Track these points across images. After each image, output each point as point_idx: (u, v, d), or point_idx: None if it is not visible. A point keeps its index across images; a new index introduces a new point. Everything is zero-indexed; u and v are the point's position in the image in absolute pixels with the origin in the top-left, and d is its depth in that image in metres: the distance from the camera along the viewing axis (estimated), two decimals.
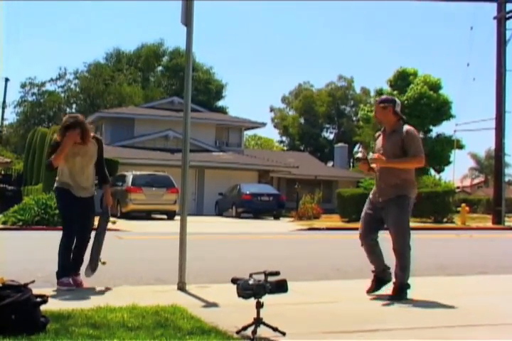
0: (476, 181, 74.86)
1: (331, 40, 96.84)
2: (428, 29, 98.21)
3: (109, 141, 32.21)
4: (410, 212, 5.89)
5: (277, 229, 20.07)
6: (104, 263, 6.46)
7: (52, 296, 5.34)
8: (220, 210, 30.54)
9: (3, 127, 51.29)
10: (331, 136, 65.67)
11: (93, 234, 6.49)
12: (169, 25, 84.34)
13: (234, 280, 4.19)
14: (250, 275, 4.16)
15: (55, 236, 6.68)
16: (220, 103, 60.41)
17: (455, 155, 39.94)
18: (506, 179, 41.11)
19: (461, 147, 38.89)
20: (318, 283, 7.06)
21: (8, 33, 79.28)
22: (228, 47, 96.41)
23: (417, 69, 39.14)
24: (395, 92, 37.51)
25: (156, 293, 5.94)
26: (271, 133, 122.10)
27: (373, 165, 6.00)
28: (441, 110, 37.06)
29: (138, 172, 25.58)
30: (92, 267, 6.41)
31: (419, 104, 36.10)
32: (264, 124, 42.41)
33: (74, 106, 52.77)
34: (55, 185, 6.43)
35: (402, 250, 5.74)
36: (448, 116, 37.51)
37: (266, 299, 4.09)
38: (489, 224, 24.98)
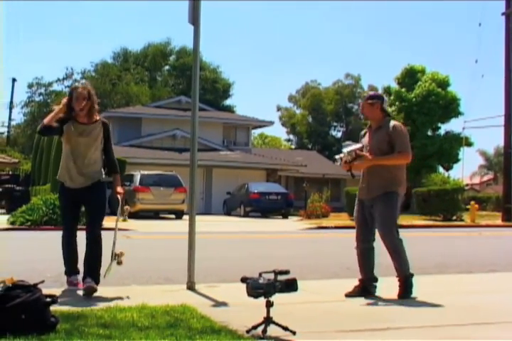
0: (485, 178, 74.58)
1: (338, 38, 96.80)
2: (436, 26, 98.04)
3: (116, 141, 32.21)
4: (399, 209, 5.80)
5: (286, 228, 20.07)
6: (119, 262, 6.01)
7: (62, 296, 5.34)
8: (228, 209, 30.56)
9: (10, 128, 51.47)
10: (339, 134, 65.52)
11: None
12: (176, 24, 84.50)
13: (244, 280, 4.18)
14: (260, 275, 4.15)
15: None
16: (227, 102, 60.40)
17: (464, 152, 40.03)
18: None
19: (469, 144, 38.79)
20: (328, 282, 7.04)
21: (12, 34, 79.58)
22: (235, 46, 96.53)
23: (425, 66, 39.08)
24: (403, 90, 37.46)
25: (165, 292, 5.93)
26: (278, 132, 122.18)
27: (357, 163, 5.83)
28: (450, 107, 36.96)
29: (146, 172, 25.61)
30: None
31: (428, 102, 36.00)
32: (271, 123, 42.39)
33: None
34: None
35: (394, 246, 5.67)
36: (456, 113, 37.40)
37: (276, 298, 4.08)
38: (499, 222, 24.90)
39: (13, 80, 49.78)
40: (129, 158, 27.75)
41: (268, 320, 4.03)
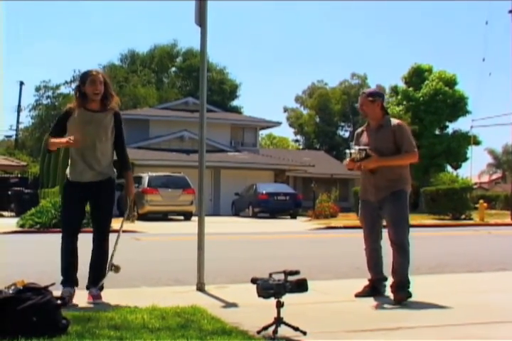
0: (493, 177, 74.32)
1: (343, 37, 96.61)
2: (442, 24, 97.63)
3: None
4: (408, 207, 5.71)
5: (294, 229, 20.04)
6: (117, 269, 5.55)
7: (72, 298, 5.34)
8: (237, 210, 30.57)
9: (18, 131, 51.63)
10: (347, 134, 65.42)
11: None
12: (182, 25, 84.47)
13: (254, 280, 4.18)
14: (270, 275, 4.15)
15: None
16: (235, 103, 60.42)
17: (472, 151, 39.93)
18: None
19: (477, 143, 38.72)
20: (339, 282, 7.03)
21: (12, 35, 79.82)
22: (241, 47, 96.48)
23: (432, 65, 39.07)
24: (410, 89, 37.40)
25: (175, 293, 5.93)
26: (285, 133, 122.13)
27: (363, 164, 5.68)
28: (457, 106, 36.90)
29: (154, 174, 25.65)
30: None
31: (435, 101, 35.94)
32: (279, 123, 42.39)
33: None
34: None
35: (402, 243, 5.51)
36: (464, 112, 37.34)
37: (286, 298, 4.07)
38: (508, 220, 24.80)
39: (21, 84, 49.96)
40: (137, 160, 27.81)
41: (279, 321, 4.03)
